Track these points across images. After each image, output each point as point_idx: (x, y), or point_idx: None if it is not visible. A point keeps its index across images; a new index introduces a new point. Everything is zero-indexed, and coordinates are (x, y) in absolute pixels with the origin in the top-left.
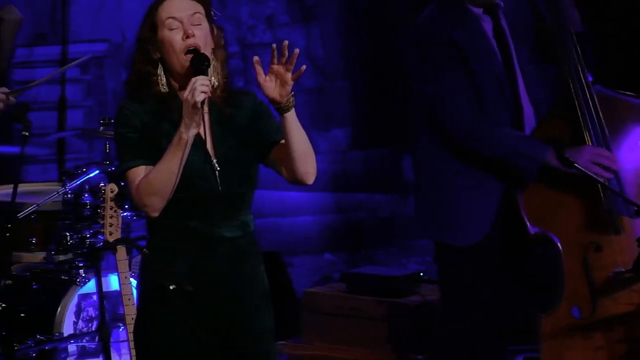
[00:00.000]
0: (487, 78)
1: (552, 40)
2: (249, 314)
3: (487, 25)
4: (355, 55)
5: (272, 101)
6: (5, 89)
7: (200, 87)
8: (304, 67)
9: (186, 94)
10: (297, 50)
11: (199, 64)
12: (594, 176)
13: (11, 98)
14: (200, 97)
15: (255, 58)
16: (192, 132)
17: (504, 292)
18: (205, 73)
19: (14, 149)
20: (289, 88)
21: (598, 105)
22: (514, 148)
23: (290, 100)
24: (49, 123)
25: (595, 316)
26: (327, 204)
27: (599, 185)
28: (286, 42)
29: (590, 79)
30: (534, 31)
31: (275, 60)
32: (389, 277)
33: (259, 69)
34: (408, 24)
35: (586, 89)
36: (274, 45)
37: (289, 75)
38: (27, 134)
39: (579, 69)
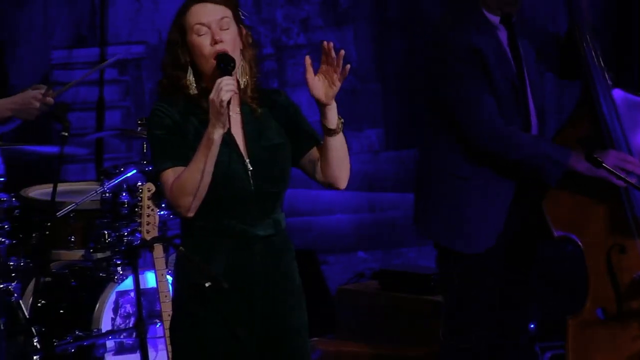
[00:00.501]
0: (503, 84)
1: (574, 51)
2: (284, 311)
3: (502, 35)
4: (387, 57)
5: (318, 101)
6: (42, 87)
7: (226, 87)
8: (349, 66)
9: (212, 94)
10: (342, 52)
11: (224, 65)
12: (623, 176)
13: (49, 98)
14: (226, 97)
15: (307, 59)
16: (220, 132)
17: (516, 295)
18: (230, 74)
19: (53, 149)
20: (336, 89)
21: (619, 109)
22: (540, 151)
23: (340, 125)
24: (87, 123)
25: (620, 317)
26: (360, 203)
27: (621, 189)
28: (331, 44)
29: (610, 82)
30: (554, 47)
31: (325, 60)
32: (421, 275)
33: (310, 69)
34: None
35: (607, 92)
36: (326, 43)
37: (336, 76)
38: (66, 134)
39: (600, 72)
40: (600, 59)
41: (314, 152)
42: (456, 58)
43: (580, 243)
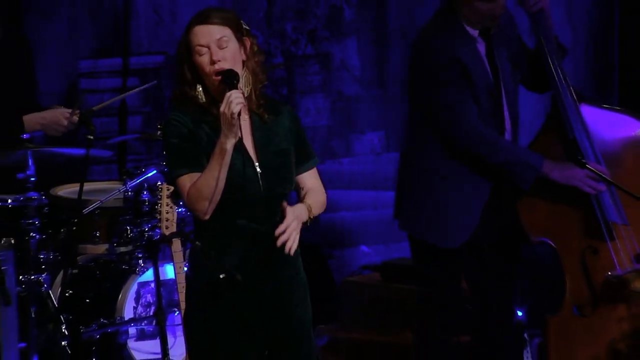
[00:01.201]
0: (482, 92)
1: (542, 67)
2: (290, 303)
3: (481, 47)
4: (387, 65)
5: None
6: (66, 111)
7: (235, 100)
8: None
9: (222, 107)
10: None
11: (229, 80)
12: (603, 174)
13: (75, 117)
14: (236, 109)
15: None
16: (232, 141)
17: (495, 290)
18: (236, 87)
19: (80, 151)
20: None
21: (587, 122)
22: (517, 157)
23: (310, 218)
24: (111, 127)
25: (595, 313)
26: (363, 201)
27: (592, 196)
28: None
29: (575, 97)
30: (524, 61)
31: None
32: (419, 267)
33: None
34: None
35: (574, 106)
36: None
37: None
38: (91, 137)
39: (565, 88)
40: (566, 76)
41: (300, 178)
42: (440, 66)
43: (555, 247)
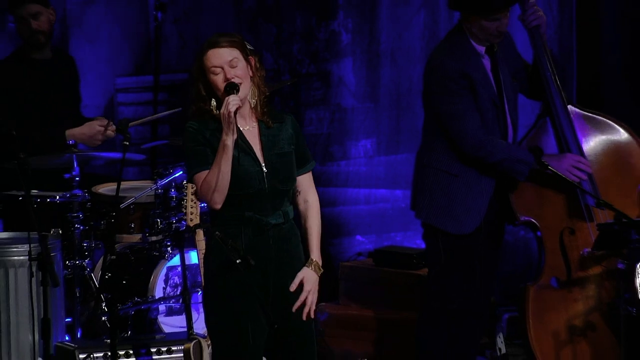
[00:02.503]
0: (487, 103)
1: (537, 75)
2: (291, 282)
3: (486, 62)
4: (379, 82)
5: None
6: (101, 128)
7: (233, 102)
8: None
9: (222, 109)
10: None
11: (229, 89)
12: (564, 175)
13: (109, 132)
14: (232, 108)
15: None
16: (231, 138)
17: (487, 269)
18: (235, 93)
19: (117, 155)
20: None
21: (573, 122)
22: (512, 155)
23: (318, 266)
24: (144, 135)
25: (569, 285)
26: (357, 197)
27: (575, 183)
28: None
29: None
30: (524, 74)
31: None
32: (405, 254)
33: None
34: (420, 56)
35: (564, 107)
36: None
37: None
38: (127, 143)
39: (558, 92)
40: (558, 82)
41: (297, 179)
42: (450, 80)
43: (539, 225)
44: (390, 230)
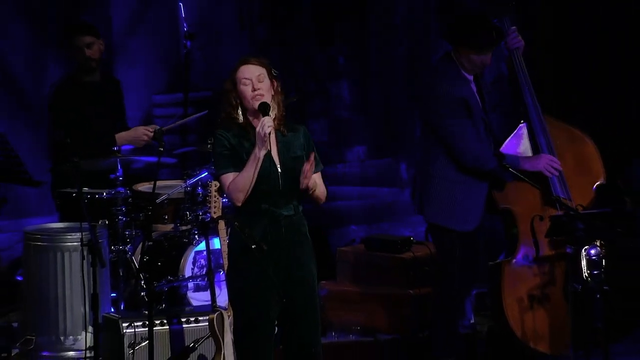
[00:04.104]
0: (479, 120)
1: (516, 94)
2: (301, 263)
3: (473, 87)
4: (370, 98)
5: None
6: (147, 129)
7: (267, 124)
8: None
9: (258, 128)
10: (307, 168)
11: (264, 109)
12: (523, 177)
13: (150, 133)
14: (267, 130)
15: (307, 165)
16: (264, 152)
17: (476, 257)
18: (268, 114)
19: (153, 159)
20: (307, 182)
21: (547, 128)
22: (500, 162)
23: (314, 187)
24: (176, 142)
25: (537, 262)
26: (352, 194)
27: (548, 179)
28: (308, 170)
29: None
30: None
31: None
32: (391, 240)
33: (304, 177)
34: (403, 78)
35: (539, 117)
36: (307, 169)
37: (306, 180)
38: (162, 149)
39: (535, 104)
40: (534, 92)
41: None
42: (453, 105)
43: (514, 212)
44: (379, 221)
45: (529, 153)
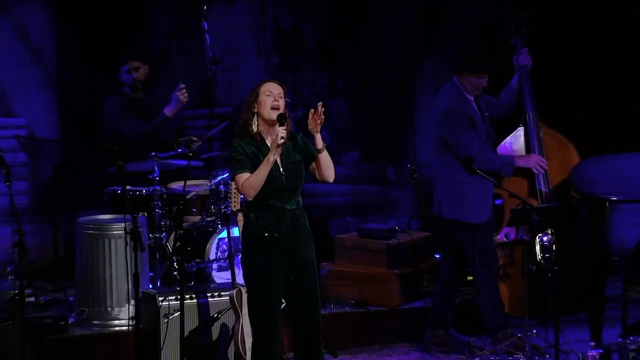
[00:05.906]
0: (481, 131)
1: (515, 98)
2: (303, 249)
3: (474, 105)
4: (363, 112)
5: (310, 132)
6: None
7: (281, 134)
8: (322, 109)
9: (273, 137)
10: (320, 106)
11: (281, 120)
12: (491, 179)
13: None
14: (281, 141)
15: (319, 104)
16: (276, 156)
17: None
18: (284, 125)
19: (184, 162)
20: (319, 127)
21: (541, 134)
22: (499, 162)
23: (323, 146)
24: (202, 148)
25: (510, 244)
26: (348, 191)
27: (535, 175)
28: (321, 103)
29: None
30: (495, 107)
31: (314, 113)
32: (380, 229)
33: (313, 117)
34: (391, 96)
35: (535, 124)
36: (319, 106)
37: (319, 121)
38: (191, 154)
39: (534, 113)
40: (534, 102)
41: (314, 163)
42: (460, 120)
43: (504, 203)
44: (371, 213)
45: (522, 152)
